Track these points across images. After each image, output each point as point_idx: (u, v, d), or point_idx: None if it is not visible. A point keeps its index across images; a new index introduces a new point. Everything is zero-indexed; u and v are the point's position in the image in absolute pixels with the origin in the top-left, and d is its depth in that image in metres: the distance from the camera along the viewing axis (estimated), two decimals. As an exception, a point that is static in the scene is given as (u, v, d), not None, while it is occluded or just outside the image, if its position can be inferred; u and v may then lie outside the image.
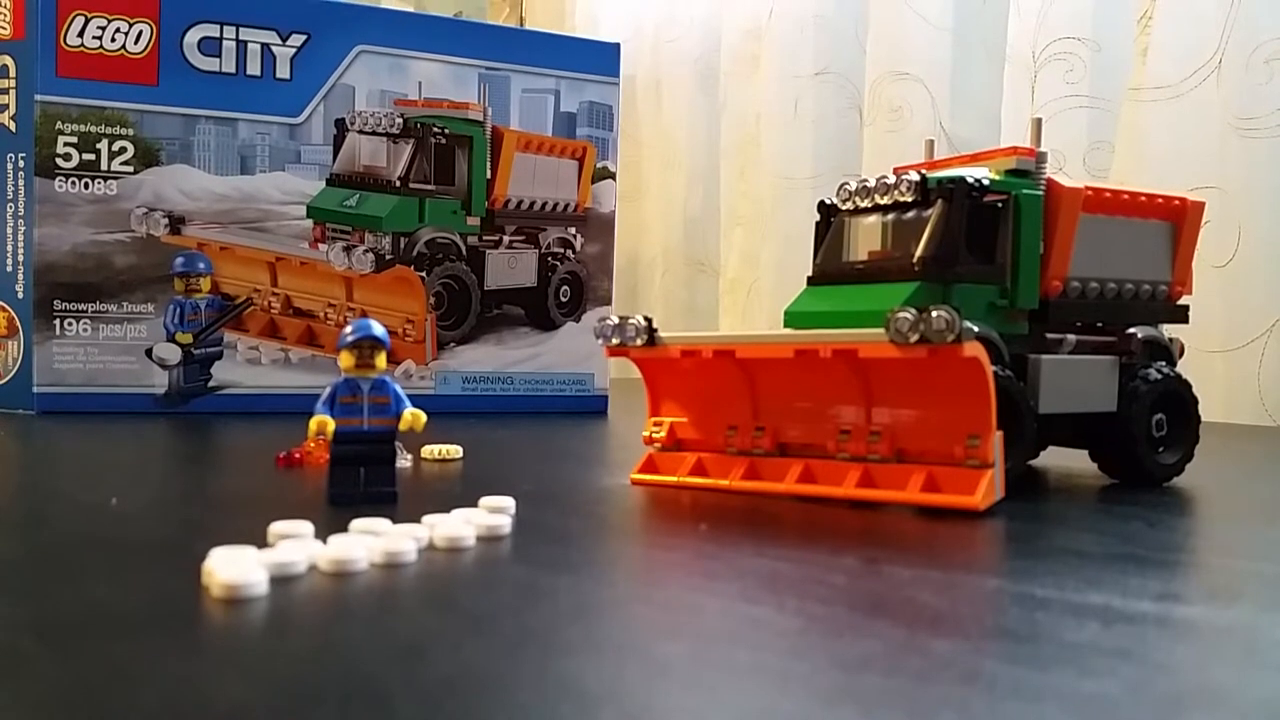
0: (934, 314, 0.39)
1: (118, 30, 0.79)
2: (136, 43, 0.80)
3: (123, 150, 0.80)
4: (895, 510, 0.43)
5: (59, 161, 0.79)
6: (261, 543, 0.32)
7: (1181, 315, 0.55)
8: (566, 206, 0.93)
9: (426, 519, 0.36)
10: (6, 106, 0.80)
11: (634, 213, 1.64)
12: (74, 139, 0.79)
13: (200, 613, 0.26)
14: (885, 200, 0.50)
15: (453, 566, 0.32)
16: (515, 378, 0.92)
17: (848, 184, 0.52)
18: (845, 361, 0.44)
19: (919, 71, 1.19)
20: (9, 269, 0.80)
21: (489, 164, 0.90)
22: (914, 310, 0.40)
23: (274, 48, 0.83)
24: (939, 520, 0.41)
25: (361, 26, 0.86)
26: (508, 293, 0.92)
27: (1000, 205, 0.49)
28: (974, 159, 0.53)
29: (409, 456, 0.53)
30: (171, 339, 0.81)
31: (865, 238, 0.51)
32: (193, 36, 0.81)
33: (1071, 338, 0.52)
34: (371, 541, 0.32)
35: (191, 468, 0.57)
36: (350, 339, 0.41)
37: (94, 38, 0.79)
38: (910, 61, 1.19)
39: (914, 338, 0.40)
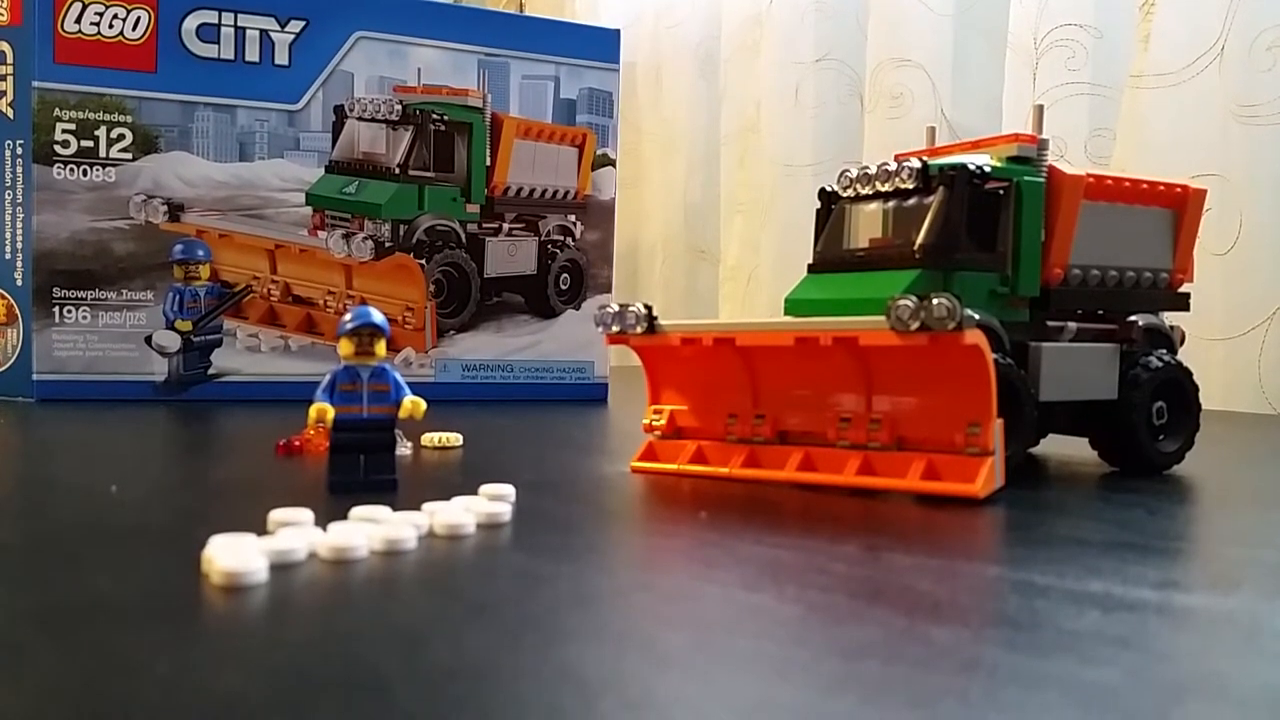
0: (935, 301, 0.39)
1: (115, 16, 0.79)
2: (134, 29, 0.80)
3: (121, 137, 0.80)
4: (895, 498, 0.43)
5: (57, 148, 0.79)
6: (261, 530, 0.32)
7: (1182, 303, 0.55)
8: (566, 194, 0.93)
9: (426, 506, 0.36)
10: (4, 93, 0.80)
11: (634, 200, 1.63)
12: (72, 126, 0.79)
13: (200, 600, 0.26)
14: (886, 187, 0.50)
15: (453, 554, 0.32)
16: (515, 365, 0.92)
17: (848, 171, 0.51)
18: (846, 349, 0.44)
19: (920, 58, 1.18)
20: (8, 256, 0.80)
21: (488, 151, 0.90)
22: (915, 298, 0.40)
23: (272, 34, 0.83)
24: (939, 508, 0.41)
25: (360, 12, 0.85)
26: (507, 280, 0.91)
27: (1001, 192, 0.49)
28: (975, 146, 0.52)
29: (409, 444, 0.53)
30: (171, 326, 0.81)
31: (866, 225, 0.50)
32: (191, 23, 0.81)
33: (1072, 325, 0.52)
34: (371, 529, 0.32)
35: (191, 455, 0.57)
36: (350, 326, 0.41)
37: (91, 24, 0.79)
38: (911, 48, 1.19)
39: (915, 325, 0.40)
